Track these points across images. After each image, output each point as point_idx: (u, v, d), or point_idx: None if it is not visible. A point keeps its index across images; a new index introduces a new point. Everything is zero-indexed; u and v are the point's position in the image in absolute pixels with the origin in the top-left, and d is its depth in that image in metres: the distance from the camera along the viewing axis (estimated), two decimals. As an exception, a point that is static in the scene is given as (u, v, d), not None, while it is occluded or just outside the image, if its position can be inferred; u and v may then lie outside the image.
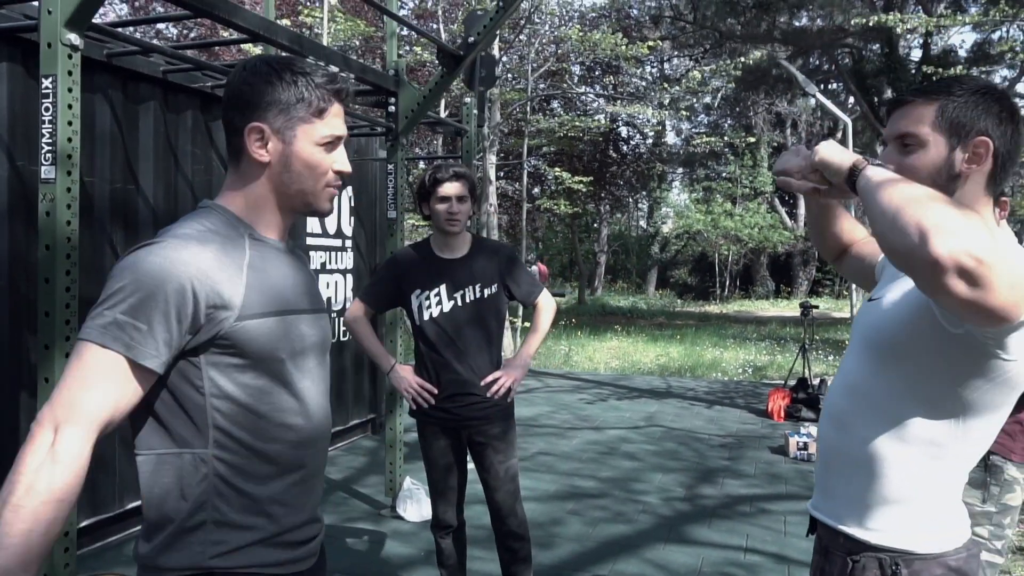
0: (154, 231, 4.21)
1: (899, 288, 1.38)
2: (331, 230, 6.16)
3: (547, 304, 3.16)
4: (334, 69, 4.11)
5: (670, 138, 29.02)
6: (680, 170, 31.64)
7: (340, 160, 1.41)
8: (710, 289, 31.21)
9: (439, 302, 2.96)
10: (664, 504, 4.86)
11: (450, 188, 2.91)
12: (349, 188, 6.39)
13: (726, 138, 19.91)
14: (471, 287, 2.97)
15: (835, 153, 1.34)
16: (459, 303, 2.95)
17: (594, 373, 10.79)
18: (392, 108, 4.57)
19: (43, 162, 2.53)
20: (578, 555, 4.06)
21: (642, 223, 35.77)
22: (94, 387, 1.20)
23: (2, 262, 3.45)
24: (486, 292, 3.00)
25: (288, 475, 1.37)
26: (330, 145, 1.39)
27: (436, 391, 2.94)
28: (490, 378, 2.97)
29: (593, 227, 31.35)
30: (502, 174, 19.03)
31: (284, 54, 1.40)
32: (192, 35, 15.22)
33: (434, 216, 2.95)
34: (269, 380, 1.33)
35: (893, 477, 1.32)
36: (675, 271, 35.77)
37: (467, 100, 5.71)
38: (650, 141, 24.62)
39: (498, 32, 12.24)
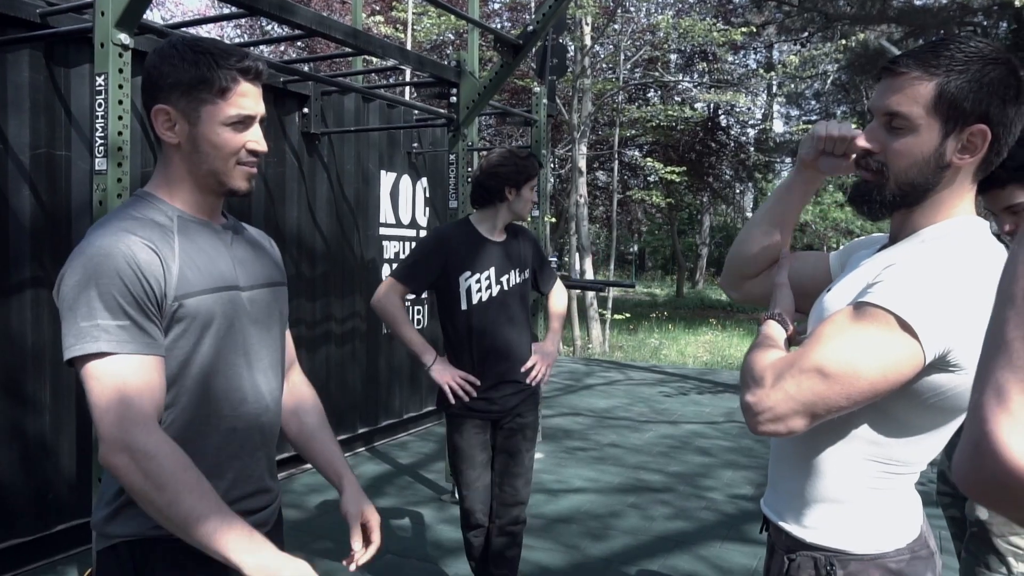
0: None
1: (842, 291, 1.24)
2: (405, 220, 6.29)
3: (562, 290, 3.22)
4: (393, 62, 4.19)
5: (777, 126, 27.96)
6: (788, 159, 30.43)
7: (253, 139, 1.40)
8: (819, 283, 29.91)
9: (488, 286, 2.88)
10: (728, 502, 4.72)
11: (535, 181, 2.96)
12: (424, 179, 6.51)
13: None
14: (514, 271, 2.94)
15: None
16: (505, 287, 2.91)
17: (680, 367, 10.56)
18: (454, 99, 4.61)
19: (96, 155, 2.70)
20: (631, 548, 4.00)
21: (747, 214, 34.63)
22: (120, 393, 1.24)
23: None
24: (523, 277, 2.99)
25: (226, 449, 1.41)
26: (239, 124, 1.39)
27: (479, 382, 2.85)
28: (529, 364, 2.96)
29: (696, 219, 30.63)
30: (597, 165, 18.87)
31: (197, 36, 1.41)
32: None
33: (518, 203, 2.92)
34: (207, 357, 1.37)
35: (832, 475, 1.24)
36: (783, 264, 34.45)
37: (536, 89, 5.69)
38: (751, 131, 23.78)
39: (589, 20, 12.13)
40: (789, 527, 1.29)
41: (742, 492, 4.91)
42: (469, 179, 4.87)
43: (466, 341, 2.89)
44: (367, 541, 1.59)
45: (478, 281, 2.86)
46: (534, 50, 5.28)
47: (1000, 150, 1.19)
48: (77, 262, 1.29)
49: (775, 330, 1.30)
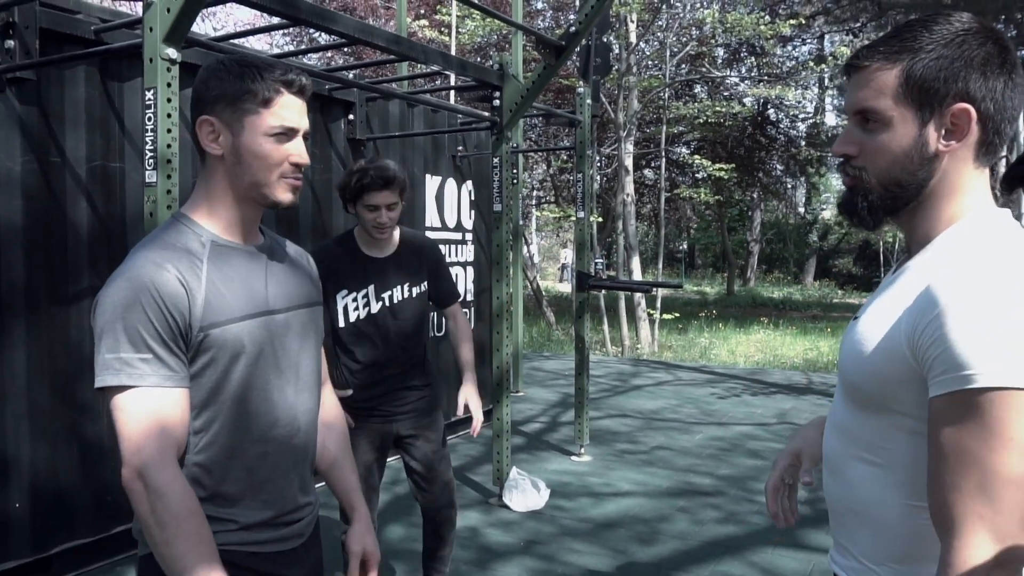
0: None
1: (874, 316, 1.11)
2: (451, 223, 6.32)
3: (460, 315, 3.08)
4: (436, 67, 4.21)
5: (829, 119, 27.36)
6: (841, 152, 29.72)
7: (296, 151, 1.42)
8: (875, 279, 29.19)
9: (366, 304, 2.83)
10: (781, 506, 4.62)
11: (378, 197, 2.72)
12: (469, 182, 6.53)
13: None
14: (400, 287, 2.87)
15: None
16: (387, 304, 2.85)
17: (731, 367, 10.41)
18: (496, 103, 4.61)
19: (147, 167, 2.77)
20: (680, 553, 3.95)
21: (799, 209, 33.98)
22: (142, 425, 1.28)
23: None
24: (415, 291, 2.91)
25: (259, 473, 1.43)
26: (282, 136, 1.40)
27: (352, 424, 2.77)
28: (461, 408, 2.94)
29: (746, 215, 30.15)
30: (645, 163, 18.70)
31: (248, 53, 1.44)
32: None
33: (361, 220, 2.80)
34: (237, 384, 1.39)
35: (898, 532, 1.10)
36: (837, 260, 33.73)
37: (580, 90, 5.66)
38: (801, 125, 23.29)
39: (634, 18, 12.03)
40: None
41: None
42: (515, 181, 4.86)
43: (343, 358, 2.88)
44: None
45: (355, 300, 2.81)
46: (577, 50, 5.25)
47: (997, 128, 1.06)
48: (110, 291, 1.32)
49: None
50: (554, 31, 14.13)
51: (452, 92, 8.02)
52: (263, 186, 1.42)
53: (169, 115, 2.76)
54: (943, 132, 1.06)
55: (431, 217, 6.09)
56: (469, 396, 2.96)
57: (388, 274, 2.86)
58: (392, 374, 2.89)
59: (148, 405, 1.28)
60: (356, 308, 2.82)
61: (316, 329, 1.56)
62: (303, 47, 15.44)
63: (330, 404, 1.68)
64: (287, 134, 1.41)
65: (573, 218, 13.41)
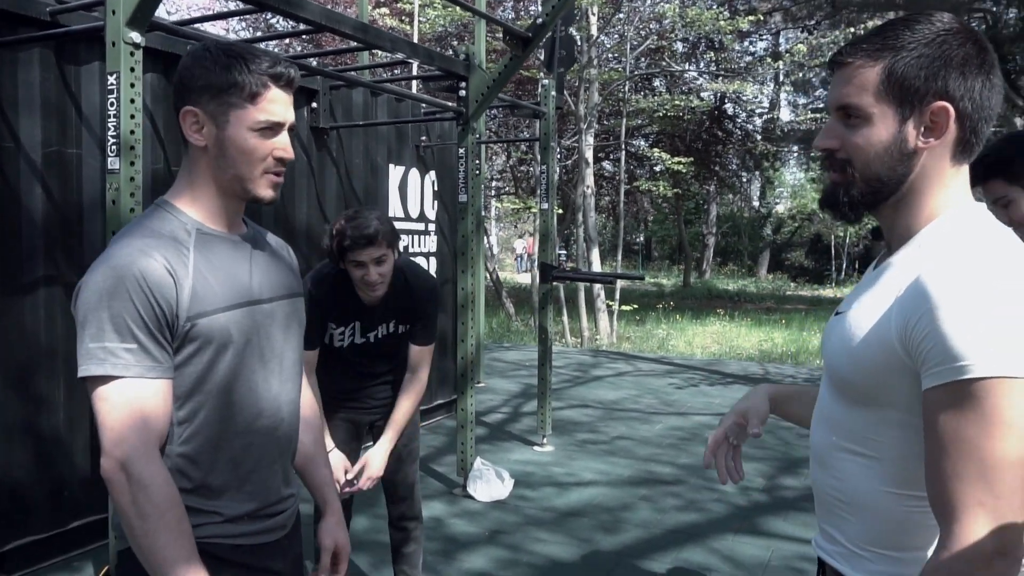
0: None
1: (861, 311, 1.13)
2: (414, 214, 6.29)
3: (425, 357, 2.90)
4: (401, 56, 4.19)
5: (784, 114, 27.85)
6: (796, 148, 30.31)
7: (281, 146, 1.39)
8: (826, 272, 29.86)
9: (351, 336, 2.85)
10: (740, 494, 4.73)
11: (363, 255, 2.56)
12: (432, 172, 6.50)
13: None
14: (384, 325, 2.86)
15: None
16: (371, 340, 2.87)
17: (688, 358, 10.56)
18: (463, 93, 4.60)
19: (109, 153, 2.71)
20: (643, 541, 4.01)
21: (754, 203, 34.54)
22: (124, 416, 1.26)
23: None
24: (400, 329, 2.88)
25: (243, 464, 1.41)
26: (268, 131, 1.37)
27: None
28: (356, 470, 2.81)
29: (702, 208, 30.56)
30: (604, 155, 18.81)
31: (232, 40, 1.40)
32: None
33: (351, 276, 2.68)
34: (223, 374, 1.37)
35: (886, 521, 1.13)
36: (790, 253, 34.39)
37: (544, 82, 5.67)
38: (757, 119, 23.68)
39: (596, 10, 12.07)
40: (852, 574, 1.18)
41: (753, 484, 4.91)
42: (477, 172, 4.86)
43: (328, 365, 2.85)
44: (334, 571, 1.63)
45: (341, 332, 2.82)
46: (542, 42, 5.25)
47: (975, 127, 1.09)
48: (93, 278, 1.29)
49: None
50: (515, 21, 14.10)
51: (414, 82, 7.96)
52: (245, 180, 1.40)
53: (132, 100, 2.70)
54: (922, 129, 1.09)
55: (394, 207, 6.05)
56: (372, 459, 2.80)
57: (375, 315, 2.82)
58: (373, 378, 2.95)
59: (131, 396, 1.26)
60: (342, 339, 2.83)
61: (299, 320, 1.55)
62: (259, 34, 15.18)
63: (307, 398, 1.67)
64: (273, 128, 1.38)
65: (533, 209, 13.46)
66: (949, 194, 1.12)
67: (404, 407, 2.88)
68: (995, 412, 0.95)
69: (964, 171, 1.13)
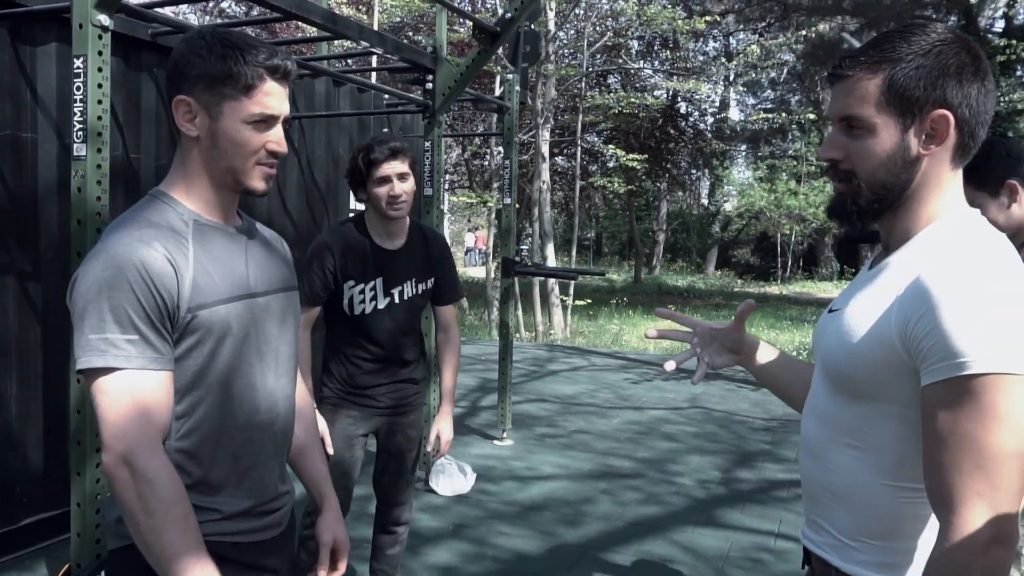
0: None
1: (860, 307, 1.18)
2: (375, 206, 6.23)
3: (454, 315, 2.95)
4: (366, 46, 4.14)
5: (733, 114, 28.38)
6: (743, 147, 30.92)
7: (274, 139, 1.38)
8: (772, 270, 30.51)
9: (373, 298, 2.66)
10: (698, 487, 4.82)
11: (389, 168, 2.55)
12: (394, 165, 6.44)
13: (784, 116, 19.34)
14: (409, 283, 2.72)
15: None
16: (395, 300, 2.69)
17: (642, 352, 10.70)
18: (429, 85, 4.57)
19: (75, 140, 2.63)
20: (605, 534, 4.06)
21: (703, 201, 35.11)
22: (127, 409, 1.23)
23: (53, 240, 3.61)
24: (421, 288, 2.78)
25: (242, 460, 1.40)
26: (262, 124, 1.36)
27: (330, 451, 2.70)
28: (433, 440, 2.82)
29: (653, 205, 30.94)
30: (558, 151, 18.90)
31: (228, 27, 1.37)
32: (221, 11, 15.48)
33: (373, 201, 2.60)
34: (223, 367, 1.35)
35: (878, 512, 1.17)
36: (736, 251, 35.07)
37: (508, 77, 5.68)
38: (710, 118, 24.07)
39: (553, 6, 12.10)
40: (841, 565, 1.22)
41: (710, 477, 5.02)
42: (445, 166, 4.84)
43: (343, 349, 2.73)
44: (334, 567, 1.62)
45: (362, 292, 2.65)
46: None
47: (973, 131, 1.14)
48: (91, 268, 1.26)
49: None
50: (473, 14, 14.01)
51: (373, 73, 7.89)
52: (238, 172, 1.38)
53: (100, 85, 2.62)
54: (923, 137, 1.13)
55: (353, 200, 5.98)
56: (443, 428, 2.83)
57: (398, 267, 2.69)
58: (394, 369, 2.78)
59: (133, 388, 1.23)
60: (363, 301, 2.65)
61: (294, 314, 1.53)
62: (219, 22, 14.82)
63: (300, 390, 1.65)
64: (267, 121, 1.37)
65: (490, 204, 13.46)
66: (947, 197, 1.17)
67: (451, 371, 2.87)
68: (992, 407, 1.00)
69: (959, 174, 1.19)
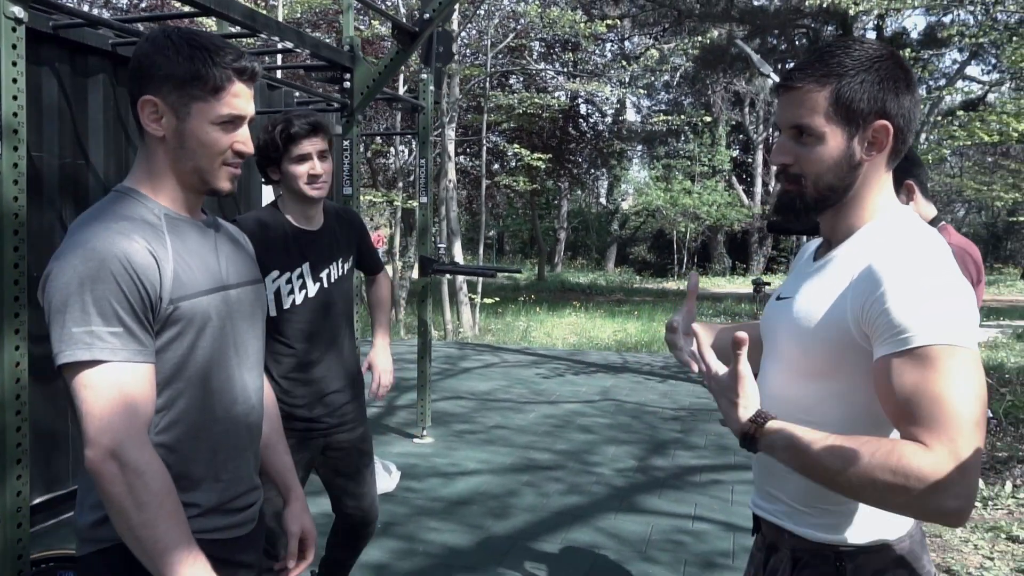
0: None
1: (812, 295, 1.30)
2: (287, 206, 6.12)
3: (386, 278, 2.90)
4: (288, 44, 4.10)
5: (630, 115, 29.18)
6: (640, 147, 31.88)
7: (241, 139, 1.39)
8: (668, 266, 31.58)
9: (303, 286, 2.46)
10: (617, 475, 4.99)
11: (309, 144, 2.38)
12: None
13: (683, 117, 20.10)
14: (334, 264, 2.55)
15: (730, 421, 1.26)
16: (324, 284, 2.51)
17: (551, 348, 10.91)
18: (347, 84, 4.55)
19: (-12, 137, 2.50)
20: (532, 524, 4.16)
21: (602, 200, 35.96)
22: (112, 402, 1.22)
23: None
24: (345, 268, 2.61)
25: (221, 452, 1.41)
26: (229, 124, 1.38)
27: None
28: (374, 386, 2.70)
29: (554, 204, 31.45)
30: (462, 150, 18.97)
31: (189, 26, 1.38)
32: (143, 5, 14.84)
33: (290, 180, 2.40)
34: (202, 359, 1.37)
35: None
36: (634, 248, 36.13)
37: (423, 76, 5.71)
38: (609, 119, 24.70)
39: (457, 6, 12.15)
40: (795, 528, 1.33)
41: (627, 465, 5.20)
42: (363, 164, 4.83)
43: (282, 352, 2.47)
44: (301, 556, 1.66)
45: (289, 282, 2.44)
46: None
47: (905, 138, 1.27)
48: (68, 262, 1.25)
49: (798, 432, 1.21)
50: (375, 7, 13.89)
51: (278, 71, 7.73)
52: (204, 172, 1.40)
53: (15, 80, 2.51)
54: (866, 144, 1.26)
55: (268, 198, 5.86)
56: (380, 360, 2.70)
57: (322, 249, 2.51)
58: (329, 373, 2.54)
59: (119, 381, 1.23)
60: (291, 291, 2.45)
61: (261, 307, 1.56)
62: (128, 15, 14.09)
63: (265, 384, 1.67)
64: (234, 122, 1.39)
65: (396, 202, 13.38)
66: (884, 196, 1.32)
67: (384, 310, 2.79)
68: (935, 372, 1.13)
69: (891, 175, 1.33)
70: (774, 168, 1.35)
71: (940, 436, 1.11)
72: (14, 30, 2.51)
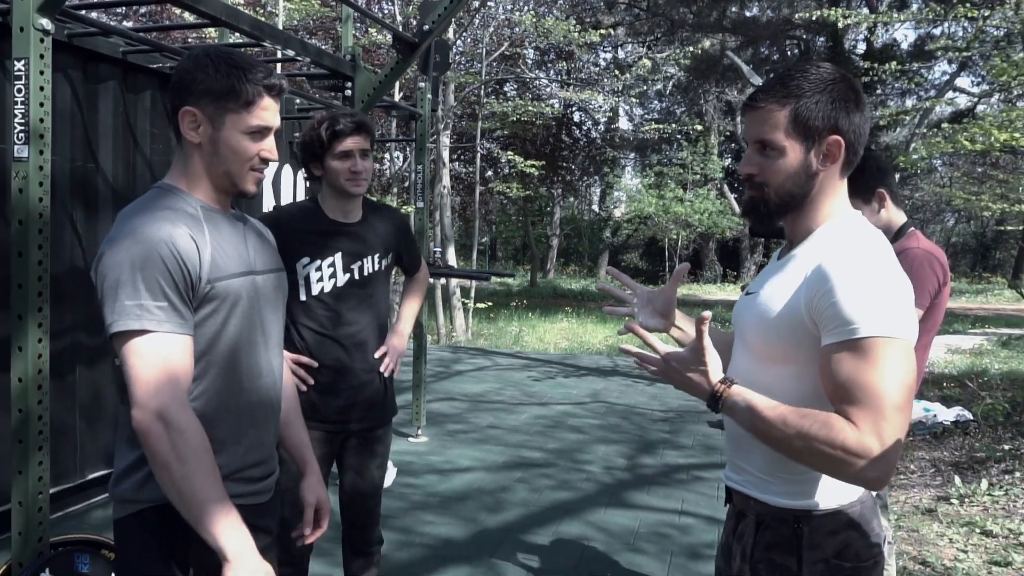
0: (113, 208, 4.30)
1: (774, 289, 1.46)
2: (287, 210, 6.27)
3: (425, 275, 2.92)
4: (291, 53, 4.25)
5: (623, 123, 29.42)
6: (632, 155, 32.12)
7: (267, 148, 1.58)
8: (660, 273, 31.75)
9: (332, 274, 2.48)
10: (606, 473, 5.15)
11: (352, 142, 2.43)
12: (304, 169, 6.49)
13: (675, 126, 20.32)
14: (369, 257, 2.55)
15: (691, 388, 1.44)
16: (355, 276, 2.52)
17: (543, 353, 11.07)
18: (348, 92, 4.71)
19: (16, 141, 2.65)
20: (524, 518, 4.32)
21: (595, 207, 36.18)
22: (158, 368, 1.39)
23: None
24: (383, 263, 2.61)
25: (245, 420, 1.58)
26: (258, 134, 1.56)
27: (311, 381, 2.47)
28: (378, 354, 2.60)
29: (546, 210, 31.63)
30: (456, 156, 19.13)
31: (230, 46, 1.58)
32: (143, 11, 14.96)
33: (332, 175, 2.45)
34: (232, 335, 1.54)
35: None
36: (626, 255, 36.32)
37: (421, 85, 5.87)
38: (602, 127, 24.92)
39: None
40: (760, 496, 1.51)
41: (616, 464, 5.36)
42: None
43: (305, 339, 2.49)
44: (317, 525, 1.85)
45: (319, 269, 2.47)
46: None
47: (856, 150, 1.44)
48: (121, 244, 1.42)
49: (756, 397, 1.38)
50: (372, 17, 14.05)
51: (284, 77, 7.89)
52: (234, 176, 1.58)
53: (42, 88, 2.66)
54: (821, 157, 1.43)
55: (268, 203, 6.01)
56: (393, 338, 2.65)
57: (357, 241, 2.52)
58: (356, 365, 2.54)
59: (163, 350, 1.40)
60: (320, 279, 2.46)
61: (283, 294, 1.74)
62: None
63: (284, 364, 1.84)
64: (262, 132, 1.58)
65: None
66: (838, 202, 1.50)
67: (415, 300, 2.78)
68: (875, 360, 1.31)
69: (845, 183, 1.51)
70: (742, 176, 1.53)
71: (866, 417, 1.29)
72: (42, 41, 2.66)
